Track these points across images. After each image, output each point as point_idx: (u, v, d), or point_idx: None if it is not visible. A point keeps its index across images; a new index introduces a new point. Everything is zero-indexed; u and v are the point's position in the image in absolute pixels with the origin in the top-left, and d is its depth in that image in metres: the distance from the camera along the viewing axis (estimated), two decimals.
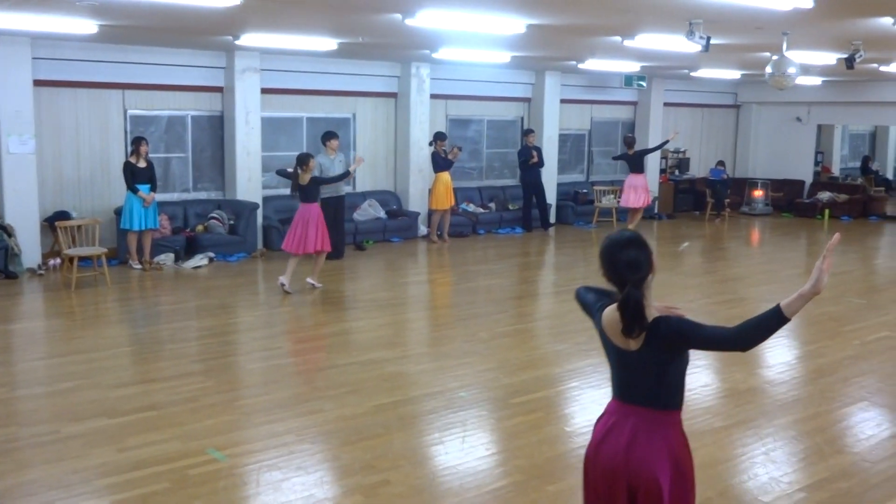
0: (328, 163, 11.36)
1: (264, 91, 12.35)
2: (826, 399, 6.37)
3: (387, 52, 12.21)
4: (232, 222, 11.93)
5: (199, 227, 11.77)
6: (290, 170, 9.70)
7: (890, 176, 21.37)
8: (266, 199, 12.56)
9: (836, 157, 20.71)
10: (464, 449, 5.27)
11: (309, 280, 9.80)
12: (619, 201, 15.16)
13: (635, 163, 14.45)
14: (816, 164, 18.94)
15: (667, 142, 15.31)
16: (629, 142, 14.78)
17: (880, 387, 6.75)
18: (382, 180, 14.10)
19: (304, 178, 9.45)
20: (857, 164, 21.19)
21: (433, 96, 14.06)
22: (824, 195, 17.59)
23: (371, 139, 13.92)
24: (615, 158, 15.78)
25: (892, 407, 6.30)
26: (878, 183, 19.78)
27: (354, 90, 13.52)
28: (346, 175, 10.55)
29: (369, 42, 10.62)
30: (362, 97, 13.69)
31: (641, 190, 14.36)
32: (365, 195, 13.57)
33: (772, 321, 2.68)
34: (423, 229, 13.87)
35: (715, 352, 3.28)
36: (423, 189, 13.96)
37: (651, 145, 15.65)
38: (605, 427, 2.98)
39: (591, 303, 3.10)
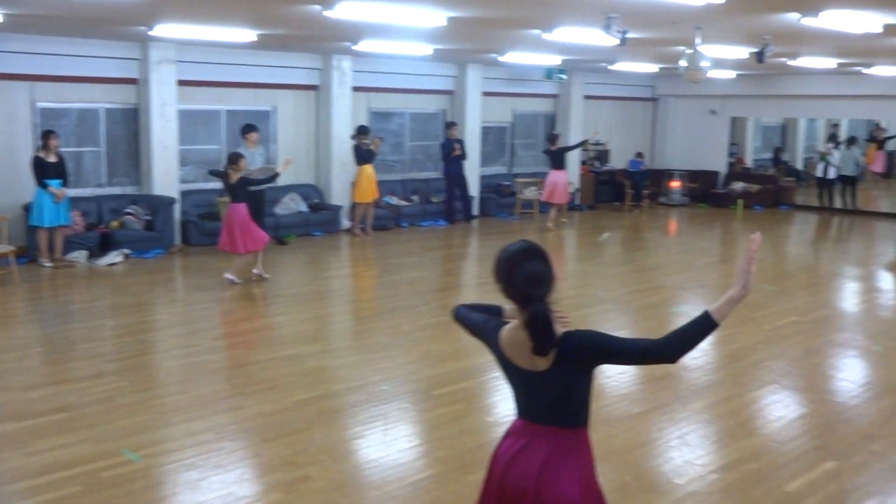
0: (248, 156, 11.16)
1: (181, 83, 12.07)
2: (738, 383, 6.57)
3: (307, 44, 12.07)
4: (148, 218, 11.64)
5: (114, 224, 11.44)
6: (222, 169, 9.65)
7: (800, 167, 22.11)
8: (184, 194, 12.29)
9: (749, 148, 21.33)
10: (385, 442, 5.26)
11: (255, 271, 9.87)
12: (541, 194, 15.34)
13: (556, 159, 14.63)
14: (730, 155, 19.48)
15: (585, 141, 15.94)
16: (552, 138, 14.96)
17: (789, 370, 6.99)
18: (304, 174, 13.94)
19: (233, 178, 9.39)
20: (769, 155, 21.85)
21: (355, 89, 13.97)
22: (738, 186, 18.12)
23: (292, 132, 13.75)
24: (544, 152, 16.01)
25: (799, 389, 6.54)
26: (788, 174, 20.45)
27: (275, 82, 13.32)
28: (274, 177, 10.40)
29: (289, 34, 10.48)
30: (283, 90, 13.51)
31: (561, 186, 14.56)
32: (286, 189, 13.40)
33: (700, 328, 2.54)
34: (345, 223, 13.78)
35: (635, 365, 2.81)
36: (345, 182, 13.86)
37: (572, 141, 15.97)
38: (513, 449, 2.75)
39: (480, 323, 2.82)
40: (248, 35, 10.29)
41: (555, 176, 14.59)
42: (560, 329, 2.63)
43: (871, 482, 4.77)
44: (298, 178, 13.83)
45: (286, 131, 13.66)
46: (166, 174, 12.02)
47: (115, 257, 10.81)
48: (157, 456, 4.94)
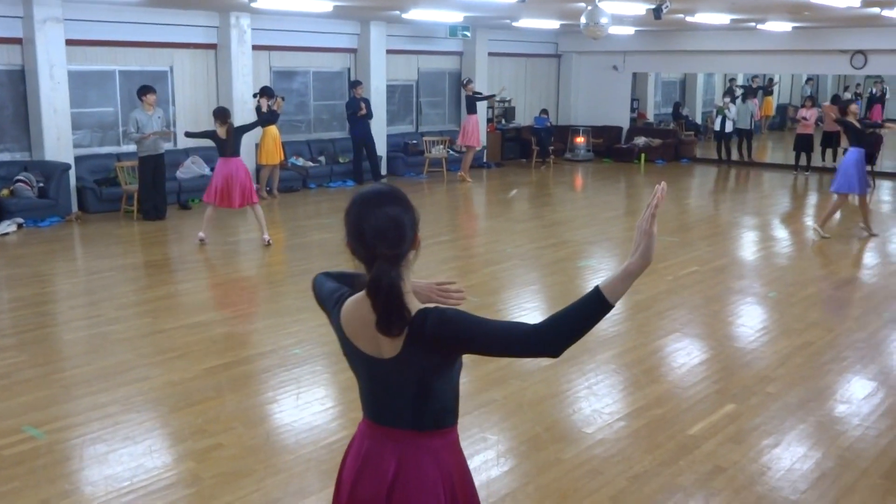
0: (145, 119, 10.82)
1: (70, 42, 11.51)
2: (643, 333, 6.77)
3: (204, 1, 11.67)
4: (41, 185, 11.13)
5: (5, 192, 10.91)
6: (203, 129, 9.96)
7: (699, 121, 22.74)
8: (79, 159, 11.80)
9: (651, 103, 21.80)
10: (298, 406, 5.23)
11: (264, 237, 9.81)
12: (447, 152, 15.59)
13: (469, 103, 15.25)
14: (632, 110, 19.87)
15: (493, 96, 16.49)
16: (465, 83, 15.62)
17: (690, 318, 7.25)
18: None
19: (223, 132, 9.53)
20: (669, 110, 22.39)
21: (255, 47, 13.60)
22: (640, 140, 18.52)
23: (191, 93, 13.33)
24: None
25: (700, 336, 6.79)
26: (688, 127, 21.01)
27: (170, 41, 12.85)
28: (274, 118, 11.40)
29: None
30: (179, 49, 13.05)
31: (471, 129, 15.17)
32: (188, 152, 13.02)
33: (590, 310, 1.97)
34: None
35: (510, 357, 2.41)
36: (249, 144, 13.52)
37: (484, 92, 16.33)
38: (359, 460, 2.19)
39: (326, 295, 2.24)
40: None
41: (467, 120, 15.28)
42: (417, 304, 2.07)
43: (767, 422, 5.01)
44: (199, 141, 13.40)
45: (184, 92, 13.23)
46: (58, 139, 11.50)
47: (7, 227, 10.33)
48: (62, 431, 4.79)
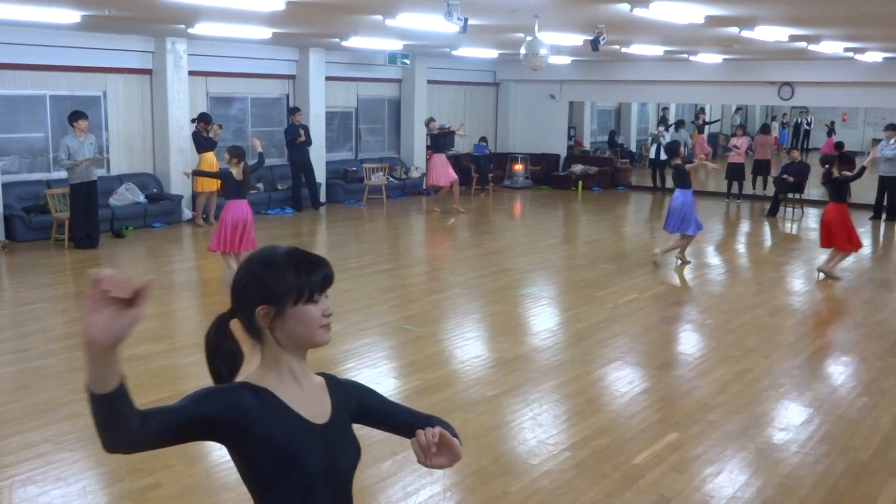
0: (77, 145, 10.56)
1: None
2: (585, 361, 6.81)
3: (138, 25, 11.48)
4: None
5: None
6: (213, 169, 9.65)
7: (633, 149, 23.18)
8: (6, 186, 11.44)
9: (587, 131, 22.15)
10: None
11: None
12: (388, 179, 15.45)
13: (435, 142, 15.07)
14: (569, 138, 20.17)
15: (453, 132, 15.80)
16: (428, 122, 15.48)
17: (632, 346, 7.32)
18: (139, 162, 13.30)
19: (238, 171, 9.01)
20: (605, 138, 22.79)
21: (192, 73, 13.43)
22: (577, 168, 18.79)
23: (125, 119, 13.07)
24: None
25: (642, 364, 6.86)
26: (623, 155, 21.42)
27: (104, 66, 12.59)
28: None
29: (117, 15, 9.92)
30: (113, 73, 12.79)
31: (441, 169, 14.75)
32: (121, 178, 12.75)
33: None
34: (187, 213, 13.27)
35: None
36: (185, 171, 13.32)
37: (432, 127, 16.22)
38: None
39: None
40: (72, 16, 9.66)
41: (434, 159, 14.96)
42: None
43: (709, 450, 5.07)
44: (133, 167, 13.19)
45: (118, 117, 12.97)
46: None
47: None
48: None
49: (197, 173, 9.63)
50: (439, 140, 15.05)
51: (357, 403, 2.05)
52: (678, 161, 10.39)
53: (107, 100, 12.82)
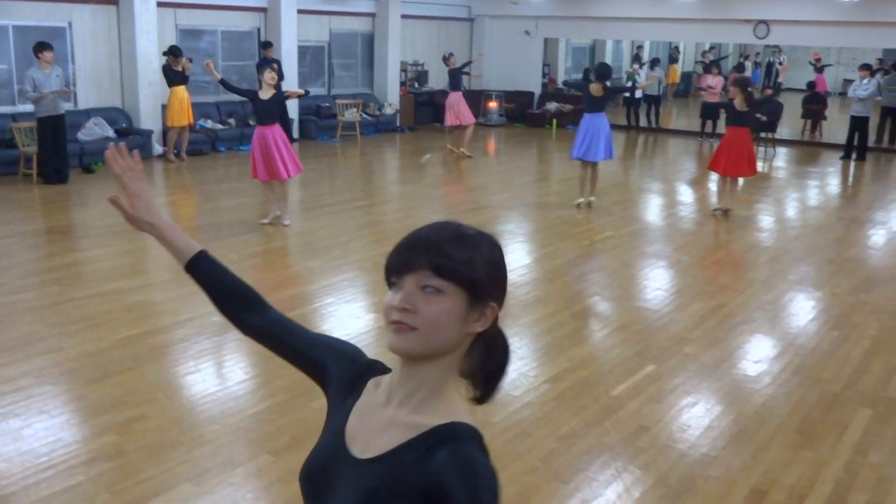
0: (43, 77, 10.29)
1: None
2: (563, 297, 6.88)
3: None
4: None
5: None
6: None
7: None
8: None
9: (561, 69, 21.98)
10: (222, 374, 5.12)
11: (285, 221, 8.78)
12: (361, 116, 15.24)
13: (453, 79, 14.08)
14: (544, 76, 20.01)
15: (470, 62, 15.22)
16: (446, 58, 14.23)
17: (608, 282, 7.40)
18: (108, 96, 12.99)
19: (266, 93, 8.37)
20: (579, 75, 22.60)
21: (160, 4, 13.05)
22: (552, 105, 18.69)
23: (91, 51, 12.72)
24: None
25: (619, 299, 6.94)
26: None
27: None
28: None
29: None
30: (78, 4, 12.39)
31: (463, 108, 13.91)
32: (89, 113, 12.46)
33: None
34: (158, 148, 13.05)
35: None
36: (155, 105, 13.07)
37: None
38: None
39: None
40: None
41: (452, 97, 13.94)
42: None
43: (686, 381, 5.18)
44: (101, 101, 12.89)
45: (84, 50, 12.62)
46: None
47: None
48: None
49: (225, 84, 8.81)
50: (459, 76, 14.13)
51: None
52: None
53: (72, 31, 12.45)
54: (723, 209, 9.90)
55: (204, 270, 1.71)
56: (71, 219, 9.28)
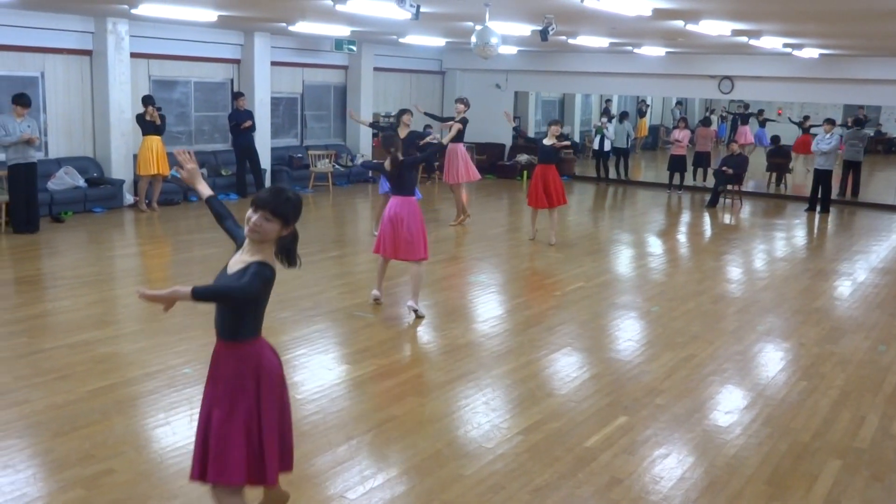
0: (13, 125, 10.29)
1: None
2: (535, 347, 6.90)
3: (78, 5, 11.19)
4: None
5: None
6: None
7: (577, 139, 23.41)
8: None
9: (532, 121, 22.30)
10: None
11: (410, 304, 7.64)
12: (333, 167, 15.28)
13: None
14: (514, 128, 20.24)
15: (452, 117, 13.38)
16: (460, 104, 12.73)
17: (580, 333, 7.44)
18: (79, 145, 12.97)
19: (389, 163, 7.39)
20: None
21: (134, 55, 13.13)
22: (522, 157, 18.92)
23: (63, 101, 12.72)
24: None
25: (590, 350, 6.98)
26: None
27: (42, 46, 12.24)
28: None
29: None
30: (52, 54, 12.43)
31: (463, 160, 12.76)
32: (60, 162, 12.43)
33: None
34: (129, 198, 13.01)
35: None
36: (127, 154, 13.06)
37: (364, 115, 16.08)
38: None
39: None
40: None
41: (455, 150, 12.65)
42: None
43: (658, 433, 5.20)
44: (73, 151, 12.87)
45: (56, 100, 12.62)
46: None
47: None
48: None
49: (366, 165, 8.15)
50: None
51: None
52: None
53: (45, 81, 12.46)
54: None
55: (211, 205, 3.83)
56: (40, 268, 9.18)
